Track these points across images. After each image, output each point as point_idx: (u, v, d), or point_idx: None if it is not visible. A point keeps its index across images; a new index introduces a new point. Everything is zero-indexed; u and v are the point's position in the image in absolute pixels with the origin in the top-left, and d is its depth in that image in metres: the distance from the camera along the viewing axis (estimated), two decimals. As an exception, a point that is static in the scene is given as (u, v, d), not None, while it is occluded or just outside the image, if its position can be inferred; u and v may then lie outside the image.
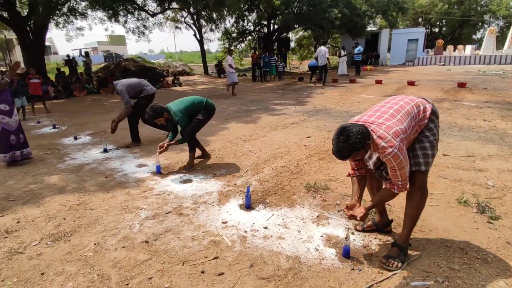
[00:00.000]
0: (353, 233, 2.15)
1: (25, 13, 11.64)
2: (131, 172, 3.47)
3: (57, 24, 12.23)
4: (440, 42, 22.33)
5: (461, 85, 9.38)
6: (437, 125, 1.85)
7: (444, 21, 33.44)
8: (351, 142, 1.56)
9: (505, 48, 20.42)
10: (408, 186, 1.74)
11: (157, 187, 3.04)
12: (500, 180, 2.93)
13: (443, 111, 6.20)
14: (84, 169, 3.62)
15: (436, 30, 35.05)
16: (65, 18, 11.96)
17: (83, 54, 14.57)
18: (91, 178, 3.33)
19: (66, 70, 14.22)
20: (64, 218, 2.48)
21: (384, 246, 2.00)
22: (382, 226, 2.16)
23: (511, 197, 2.60)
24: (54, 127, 5.87)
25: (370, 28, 24.14)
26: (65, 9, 11.42)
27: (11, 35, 17.96)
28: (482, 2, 31.64)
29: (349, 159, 1.71)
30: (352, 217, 1.80)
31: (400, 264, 1.78)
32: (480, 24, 33.39)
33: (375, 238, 2.09)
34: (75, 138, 4.97)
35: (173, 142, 3.41)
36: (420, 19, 32.55)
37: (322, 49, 11.65)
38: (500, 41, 26.15)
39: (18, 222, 2.43)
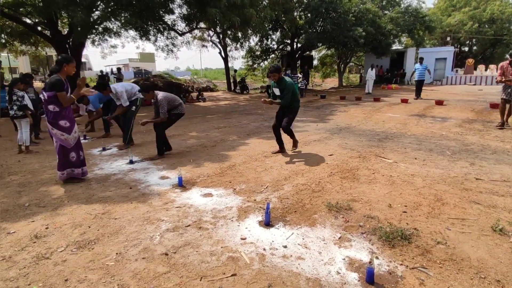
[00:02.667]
0: (377, 258, 2.05)
1: (65, 32, 12.61)
2: (154, 184, 3.55)
3: (93, 42, 13.11)
4: (470, 61, 21.60)
5: (494, 106, 8.94)
6: None
7: (474, 40, 32.48)
8: None
9: (542, 68, 19.36)
10: None
11: (178, 199, 3.08)
12: (540, 208, 2.71)
13: (475, 132, 5.92)
14: (110, 179, 3.76)
15: (466, 49, 34.07)
16: (100, 36, 12.81)
17: (114, 71, 15.45)
18: (116, 188, 3.43)
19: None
20: (89, 226, 2.56)
21: (411, 273, 1.89)
22: None
23: (554, 228, 2.39)
24: (84, 138, 6.17)
25: (396, 46, 23.88)
26: (100, 29, 12.24)
27: (51, 52, 19.43)
28: (515, 21, 30.52)
29: None
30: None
31: None
32: (513, 43, 32.08)
33: (401, 265, 1.98)
34: (104, 149, 5.19)
35: (277, 101, 4.42)
36: (448, 38, 31.82)
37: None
38: (536, 60, 24.86)
39: (46, 228, 2.54)
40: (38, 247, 2.25)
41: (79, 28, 9.94)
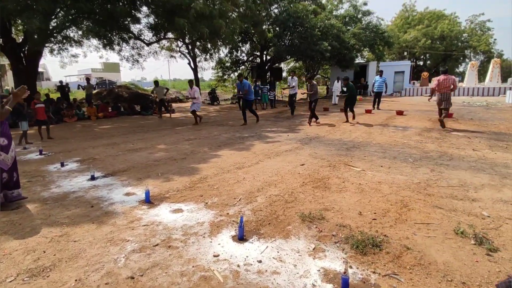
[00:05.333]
0: (351, 267, 2.05)
1: (20, 40, 11.79)
2: (118, 201, 3.33)
3: (51, 51, 12.39)
4: (425, 74, 23.38)
5: (448, 115, 9.66)
6: None
7: (428, 55, 35.33)
8: None
9: (486, 81, 21.48)
10: None
11: (145, 217, 2.90)
12: (494, 210, 2.91)
13: (432, 140, 6.32)
14: (69, 197, 3.47)
15: (421, 63, 36.90)
16: (60, 45, 12.13)
17: (82, 84, 14.55)
18: (76, 207, 3.17)
19: (57, 96, 14.20)
20: (44, 251, 2.31)
21: (383, 280, 1.91)
22: None
23: (507, 228, 2.57)
24: (40, 153, 5.71)
25: (358, 60, 25.22)
26: (60, 37, 11.60)
27: (3, 61, 18.04)
28: (463, 38, 33.77)
29: None
30: None
31: None
32: (462, 58, 35.37)
33: (374, 272, 2.00)
34: (62, 165, 4.82)
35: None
36: (405, 53, 34.30)
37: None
38: (482, 74, 27.58)
39: (-7, 256, 2.26)
40: (-19, 279, 1.98)
41: (35, 36, 9.34)
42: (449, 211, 2.91)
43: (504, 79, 23.13)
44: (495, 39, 34.02)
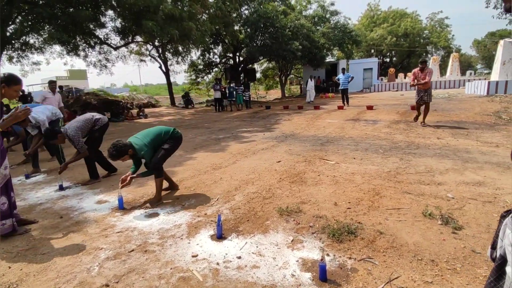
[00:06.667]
0: (328, 255, 2.10)
1: (-25, 48, 11.00)
2: (90, 209, 3.19)
3: (10, 59, 11.65)
4: (391, 70, 24.46)
5: (414, 107, 10.16)
6: None
7: (393, 52, 36.98)
8: None
9: (447, 74, 22.84)
10: None
11: (119, 224, 2.81)
12: (458, 192, 3.10)
13: (400, 131, 6.62)
14: (36, 210, 3.28)
15: (388, 60, 38.55)
16: (19, 52, 11.45)
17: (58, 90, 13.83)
18: (43, 219, 3.00)
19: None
20: (9, 267, 2.17)
21: (359, 264, 1.98)
22: None
23: (470, 207, 2.75)
24: (3, 166, 5.34)
25: (329, 59, 25.92)
26: (18, 44, 10.95)
27: (-43, 71, 16.74)
28: (424, 35, 35.73)
29: None
30: None
31: None
32: (424, 54, 37.34)
33: (350, 258, 2.07)
34: (27, 177, 4.54)
35: (135, 175, 3.25)
36: (372, 51, 35.68)
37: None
38: (443, 68, 29.32)
39: (-50, 277, 2.09)
40: None
41: (-9, 43, 8.77)
42: (417, 196, 3.07)
43: (463, 72, 24.73)
44: (453, 35, 36.45)
